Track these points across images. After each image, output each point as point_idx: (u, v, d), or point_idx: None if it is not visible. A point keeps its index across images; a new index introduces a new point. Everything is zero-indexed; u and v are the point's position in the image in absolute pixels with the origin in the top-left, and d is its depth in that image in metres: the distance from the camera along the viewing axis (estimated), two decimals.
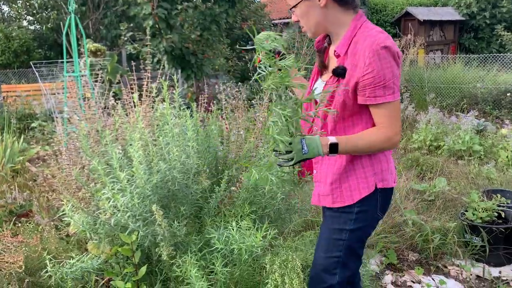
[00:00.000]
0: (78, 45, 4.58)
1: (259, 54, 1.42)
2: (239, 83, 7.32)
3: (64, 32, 4.43)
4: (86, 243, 2.21)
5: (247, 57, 10.06)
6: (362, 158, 1.60)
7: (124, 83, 2.46)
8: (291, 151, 1.44)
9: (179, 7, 6.34)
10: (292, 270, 1.61)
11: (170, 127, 1.97)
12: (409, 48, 10.88)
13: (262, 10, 10.72)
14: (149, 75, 2.38)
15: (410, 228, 3.08)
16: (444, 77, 7.95)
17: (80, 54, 4.54)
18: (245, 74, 10.22)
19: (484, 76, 7.59)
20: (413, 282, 2.81)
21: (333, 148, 1.48)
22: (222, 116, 2.75)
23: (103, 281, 2.13)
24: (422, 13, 14.19)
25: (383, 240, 3.08)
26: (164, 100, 2.02)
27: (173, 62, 6.36)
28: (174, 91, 2.06)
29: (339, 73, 1.52)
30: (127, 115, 2.36)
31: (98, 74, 2.74)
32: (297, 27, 12.90)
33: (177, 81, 2.74)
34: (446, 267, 2.98)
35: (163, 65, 6.30)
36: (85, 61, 4.48)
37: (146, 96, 2.37)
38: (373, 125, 1.55)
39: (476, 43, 14.92)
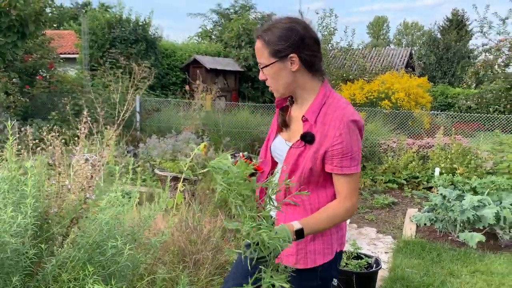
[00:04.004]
0: None
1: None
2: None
3: None
4: None
5: (32, 93, 9.06)
6: None
7: None
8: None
9: None
10: None
11: None
12: (199, 93, 11.61)
13: (49, 43, 9.89)
14: None
15: None
16: (235, 121, 8.74)
17: None
18: (28, 111, 9.15)
19: (268, 122, 8.67)
20: None
21: (300, 234, 1.47)
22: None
23: None
24: (208, 62, 15.38)
25: (210, 284, 3.15)
26: None
27: None
28: None
29: (308, 140, 1.55)
30: None
31: None
32: (87, 64, 12.32)
33: None
34: None
35: None
36: None
37: None
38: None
39: (253, 92, 16.94)
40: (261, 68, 1.62)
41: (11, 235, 1.61)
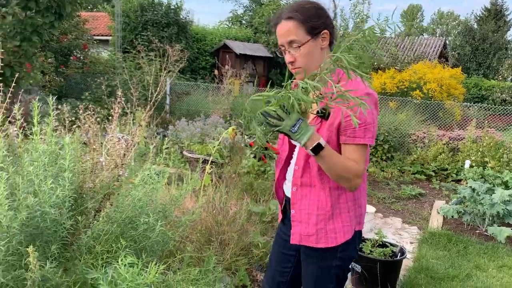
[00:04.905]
0: None
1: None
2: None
3: None
4: None
5: (66, 73, 9.30)
6: (348, 202, 1.66)
7: None
8: (283, 119, 1.41)
9: None
10: None
11: (39, 155, 1.74)
12: (228, 78, 11.65)
13: (83, 25, 10.09)
14: None
15: (260, 249, 3.30)
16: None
17: None
18: (62, 90, 9.41)
19: None
20: None
21: (316, 149, 1.46)
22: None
23: None
24: (238, 47, 15.38)
25: (235, 264, 3.22)
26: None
27: None
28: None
29: (323, 114, 1.54)
30: None
31: None
32: (119, 46, 12.51)
33: None
34: None
35: None
36: None
37: None
38: None
39: (282, 78, 16.89)
40: (297, 47, 1.61)
41: (50, 206, 1.69)
